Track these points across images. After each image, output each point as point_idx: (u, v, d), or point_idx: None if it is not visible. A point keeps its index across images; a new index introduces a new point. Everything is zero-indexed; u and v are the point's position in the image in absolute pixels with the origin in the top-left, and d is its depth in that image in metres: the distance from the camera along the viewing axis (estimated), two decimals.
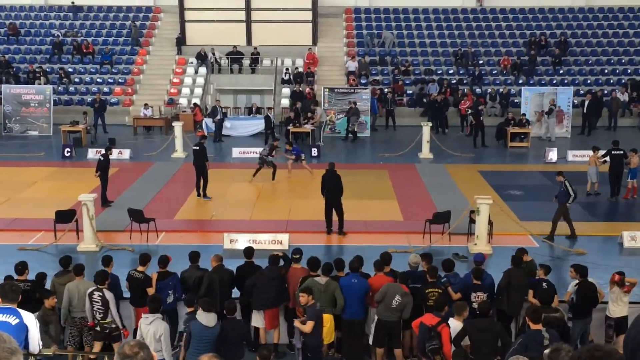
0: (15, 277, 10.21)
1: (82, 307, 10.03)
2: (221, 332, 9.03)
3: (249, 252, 11.13)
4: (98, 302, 9.88)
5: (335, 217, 15.45)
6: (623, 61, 32.01)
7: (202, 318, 9.00)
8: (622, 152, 18.17)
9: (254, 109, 28.80)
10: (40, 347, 7.00)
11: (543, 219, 16.42)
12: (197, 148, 18.43)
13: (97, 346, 9.92)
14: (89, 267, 13.45)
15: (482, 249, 13.66)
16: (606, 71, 31.67)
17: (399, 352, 10.17)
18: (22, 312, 6.83)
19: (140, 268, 10.73)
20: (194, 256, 10.96)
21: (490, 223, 14.62)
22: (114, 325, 9.88)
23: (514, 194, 18.65)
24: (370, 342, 10.21)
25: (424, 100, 29.55)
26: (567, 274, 11.92)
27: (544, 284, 10.32)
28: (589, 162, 18.81)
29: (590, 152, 18.94)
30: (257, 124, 27.67)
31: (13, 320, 6.69)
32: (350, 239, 15.32)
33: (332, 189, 15.32)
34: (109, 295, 9.92)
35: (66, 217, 15.05)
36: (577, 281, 10.45)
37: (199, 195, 18.23)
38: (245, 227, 15.82)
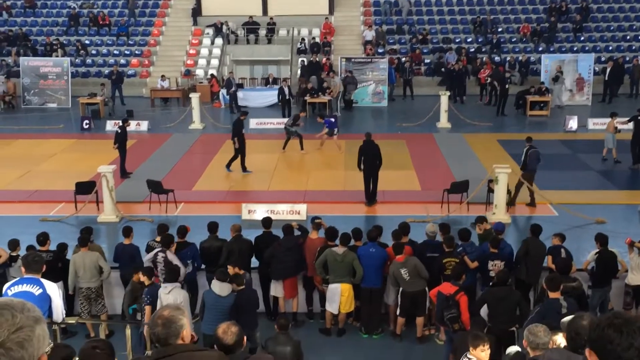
0: (38, 247, 10.37)
1: (88, 277, 10.17)
2: (235, 302, 9.10)
3: (267, 222, 11.18)
4: (161, 263, 10.08)
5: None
6: None
7: (215, 287, 9.10)
8: None
9: (270, 79, 28.68)
10: (64, 316, 7.13)
11: (563, 187, 16.33)
12: (234, 123, 18.30)
13: None
14: (109, 237, 13.73)
15: (501, 218, 13.61)
16: (628, 37, 31.06)
17: (420, 320, 10.22)
18: (45, 282, 6.94)
19: (158, 239, 10.84)
20: (213, 226, 11.04)
21: (508, 192, 14.54)
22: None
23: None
24: (398, 313, 10.26)
25: (442, 69, 29.25)
26: (586, 243, 11.90)
27: (563, 251, 10.29)
28: (606, 128, 18.70)
29: (609, 119, 18.72)
30: (272, 95, 27.50)
31: (36, 291, 6.80)
32: (368, 209, 15.33)
33: (370, 159, 15.27)
34: (171, 256, 10.15)
35: (86, 188, 15.19)
36: (597, 250, 10.41)
37: (244, 170, 17.93)
38: (263, 198, 15.87)
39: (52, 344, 6.28)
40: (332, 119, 21.06)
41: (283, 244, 10.64)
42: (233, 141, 17.88)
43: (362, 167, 15.29)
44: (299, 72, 29.46)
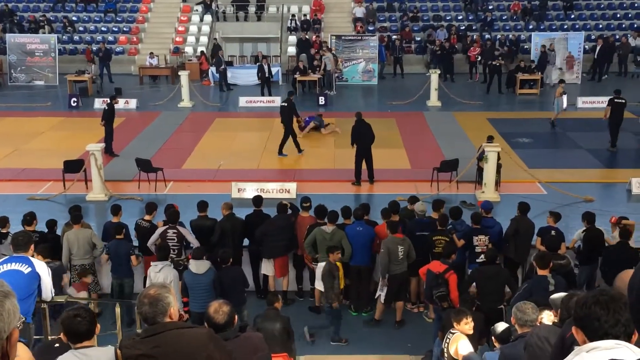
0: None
1: (82, 254, 10.17)
2: (218, 279, 9.10)
3: (257, 200, 11.16)
4: (173, 239, 10.10)
5: (364, 167, 15.31)
6: (636, 5, 31.27)
7: (192, 266, 9.15)
8: (623, 101, 17.81)
9: (260, 57, 28.40)
10: (53, 294, 7.11)
11: (552, 166, 16.40)
12: (285, 105, 17.67)
13: None
14: (98, 216, 13.68)
15: (490, 197, 13.65)
16: (618, 15, 31.00)
17: (400, 304, 10.24)
18: (35, 260, 6.92)
19: (147, 217, 10.82)
20: (203, 205, 11.00)
21: (498, 171, 14.56)
22: (186, 263, 10.07)
23: (522, 141, 18.53)
24: (382, 300, 10.17)
25: (431, 46, 29.09)
26: (574, 221, 11.97)
27: (553, 232, 10.34)
28: (555, 95, 20.28)
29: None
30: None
31: (25, 269, 6.78)
32: (358, 188, 15.33)
33: (363, 138, 15.16)
34: (183, 230, 10.21)
35: (74, 166, 15.10)
36: (584, 228, 10.48)
37: (280, 153, 17.46)
38: (253, 176, 15.84)
39: (23, 319, 6.27)
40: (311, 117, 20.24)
41: (276, 223, 10.63)
42: (290, 123, 17.29)
43: (354, 145, 15.23)
44: (289, 49, 29.25)
